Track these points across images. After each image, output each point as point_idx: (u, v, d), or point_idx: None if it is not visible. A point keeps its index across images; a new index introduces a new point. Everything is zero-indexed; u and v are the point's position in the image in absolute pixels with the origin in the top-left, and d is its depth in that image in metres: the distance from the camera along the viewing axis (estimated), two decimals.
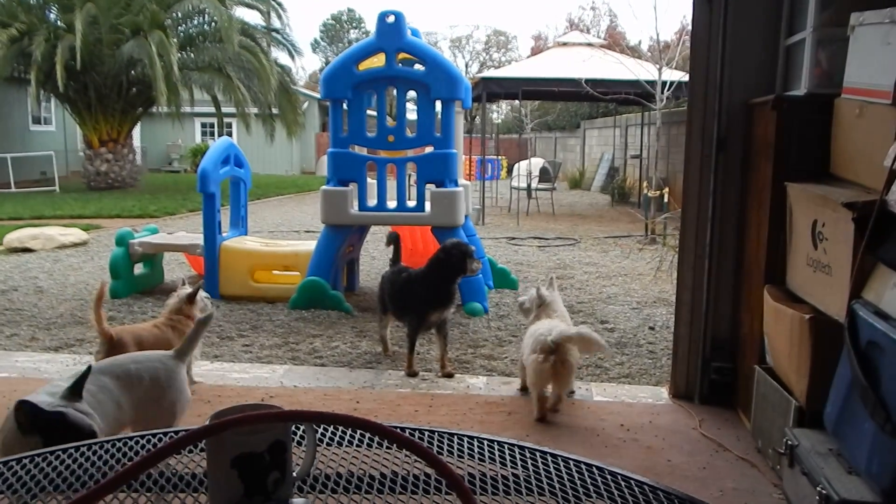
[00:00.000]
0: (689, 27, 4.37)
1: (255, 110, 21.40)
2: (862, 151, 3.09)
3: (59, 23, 19.15)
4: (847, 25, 3.15)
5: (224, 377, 4.71)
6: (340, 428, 1.32)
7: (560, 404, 4.15)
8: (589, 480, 1.26)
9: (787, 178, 3.52)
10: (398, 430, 1.21)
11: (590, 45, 16.72)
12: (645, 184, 13.43)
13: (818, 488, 2.59)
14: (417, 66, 6.49)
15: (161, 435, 1.25)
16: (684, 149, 4.36)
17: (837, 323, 2.85)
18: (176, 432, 1.20)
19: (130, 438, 1.26)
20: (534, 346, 3.94)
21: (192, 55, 20.73)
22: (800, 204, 3.39)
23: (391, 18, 6.31)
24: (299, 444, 1.19)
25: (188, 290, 4.51)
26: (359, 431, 1.30)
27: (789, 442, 2.99)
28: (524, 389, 4.45)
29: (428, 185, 6.48)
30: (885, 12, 2.87)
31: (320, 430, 1.30)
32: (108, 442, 1.24)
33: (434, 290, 4.82)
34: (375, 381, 4.68)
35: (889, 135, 2.71)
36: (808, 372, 3.04)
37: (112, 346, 4.21)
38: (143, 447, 1.22)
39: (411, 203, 6.63)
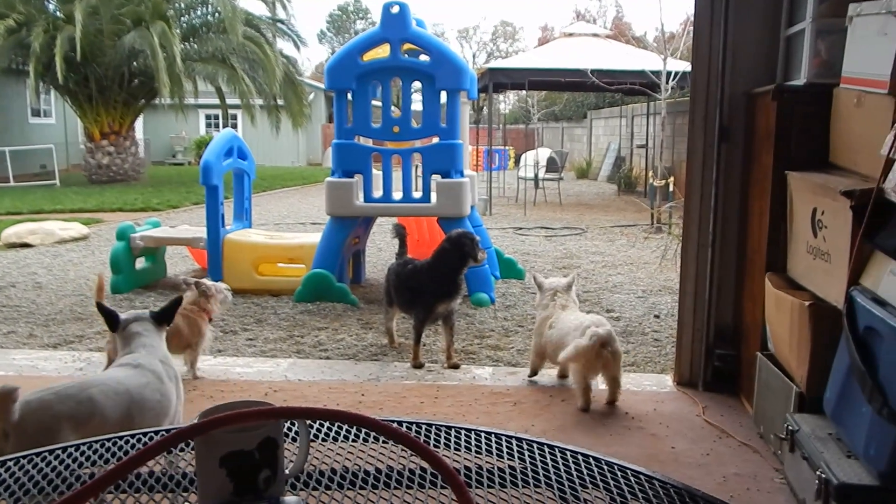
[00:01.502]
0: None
1: (260, 102, 21.37)
2: (860, 140, 3.10)
3: (58, 13, 19.10)
4: (845, 16, 3.17)
5: (227, 372, 4.74)
6: (334, 423, 1.34)
7: (618, 393, 4.16)
8: (586, 471, 1.28)
9: (787, 167, 3.53)
10: (392, 424, 1.24)
11: (596, 35, 16.65)
12: (651, 173, 13.41)
13: (818, 472, 2.61)
14: (423, 57, 6.50)
15: (152, 434, 1.28)
16: (687, 139, 4.37)
17: (836, 310, 2.87)
18: (167, 430, 1.22)
19: (120, 437, 1.28)
20: (591, 336, 3.96)
21: (195, 46, 20.71)
22: (800, 192, 3.40)
23: (396, 9, 6.31)
24: (294, 440, 1.21)
25: (204, 283, 4.55)
26: (355, 427, 1.33)
27: (790, 427, 3.02)
28: (533, 374, 4.53)
29: (434, 176, 6.49)
30: (881, 3, 2.88)
31: (314, 426, 1.32)
32: (96, 442, 1.27)
33: (440, 281, 4.84)
34: (381, 374, 4.71)
35: (886, 123, 2.72)
36: (808, 358, 3.06)
37: None
38: (132, 447, 1.25)
39: (417, 194, 6.64)
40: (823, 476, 2.57)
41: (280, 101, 21.51)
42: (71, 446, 1.24)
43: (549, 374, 4.60)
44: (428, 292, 4.86)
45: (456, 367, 4.82)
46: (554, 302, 4.46)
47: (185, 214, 13.54)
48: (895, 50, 2.76)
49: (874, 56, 2.92)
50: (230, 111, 22.86)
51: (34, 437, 2.26)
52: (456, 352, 4.99)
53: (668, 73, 11.60)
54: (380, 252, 9.23)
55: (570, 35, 16.87)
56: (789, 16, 3.91)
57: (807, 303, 3.06)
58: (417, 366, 4.82)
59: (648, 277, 7.79)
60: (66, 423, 2.34)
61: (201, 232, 6.97)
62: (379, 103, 6.57)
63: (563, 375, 4.53)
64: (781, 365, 3.43)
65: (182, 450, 1.20)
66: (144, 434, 1.27)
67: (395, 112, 6.68)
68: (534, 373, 4.55)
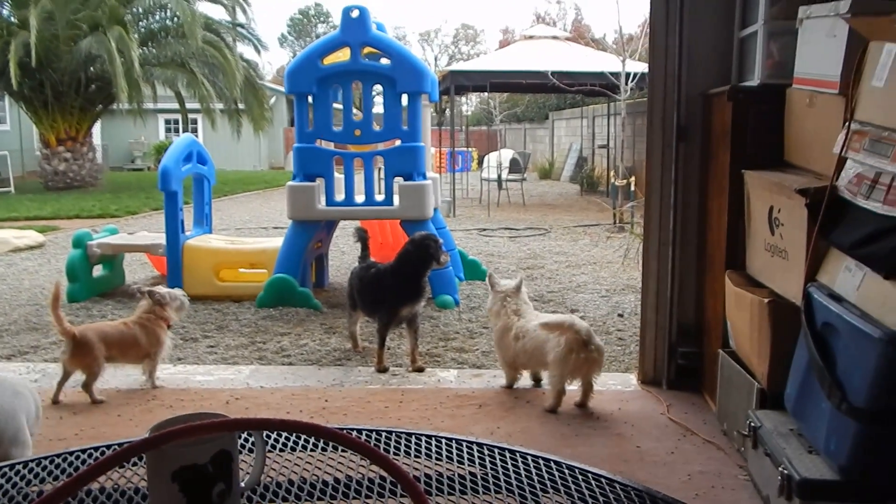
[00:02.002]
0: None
1: (220, 106, 21.18)
2: (813, 139, 3.15)
3: (12, 18, 18.75)
4: (796, 18, 3.22)
5: (187, 380, 4.67)
6: (290, 433, 1.32)
7: (590, 398, 4.13)
8: (547, 476, 1.27)
9: (744, 166, 3.57)
10: (350, 432, 1.22)
11: (556, 38, 16.76)
12: (612, 173, 13.53)
13: (780, 468, 2.64)
14: (383, 61, 6.48)
15: (103, 449, 1.25)
16: (646, 139, 4.40)
17: (795, 306, 2.90)
18: (120, 445, 1.19)
19: (70, 454, 1.25)
20: (567, 341, 3.94)
21: (153, 50, 20.47)
22: (756, 191, 3.44)
23: (356, 13, 6.28)
24: (250, 452, 1.19)
25: (157, 291, 4.48)
26: (312, 437, 1.31)
27: (752, 424, 3.05)
28: (509, 386, 4.46)
29: (396, 179, 6.48)
30: (829, 6, 2.93)
31: (270, 437, 1.30)
32: (45, 458, 1.23)
33: (404, 284, 4.82)
34: (345, 379, 4.68)
35: (838, 122, 2.76)
36: (769, 355, 3.09)
37: (76, 344, 4.17)
38: (83, 462, 1.21)
39: (379, 197, 6.62)
40: (786, 472, 2.59)
41: (241, 105, 21.34)
42: (18, 463, 1.21)
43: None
44: (392, 295, 4.84)
45: (421, 370, 4.80)
46: (505, 308, 4.38)
47: (144, 221, 13.36)
48: (844, 51, 2.80)
49: (824, 57, 2.97)
50: (190, 115, 22.60)
51: None
52: (420, 355, 4.98)
53: (628, 75, 11.72)
54: (343, 256, 9.19)
55: (531, 38, 16.97)
56: (742, 18, 3.96)
57: (766, 300, 3.10)
58: (382, 370, 4.80)
59: (612, 276, 7.85)
60: None
61: (160, 238, 6.88)
62: (340, 107, 6.54)
63: (537, 380, 4.50)
64: (743, 362, 3.47)
65: (134, 464, 1.17)
66: (95, 449, 1.24)
67: (357, 115, 6.65)
68: (510, 385, 4.49)
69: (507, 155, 18.04)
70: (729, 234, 3.75)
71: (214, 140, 22.62)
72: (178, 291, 4.61)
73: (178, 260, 6.70)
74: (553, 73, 13.27)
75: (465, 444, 1.35)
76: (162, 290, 4.53)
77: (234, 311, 6.33)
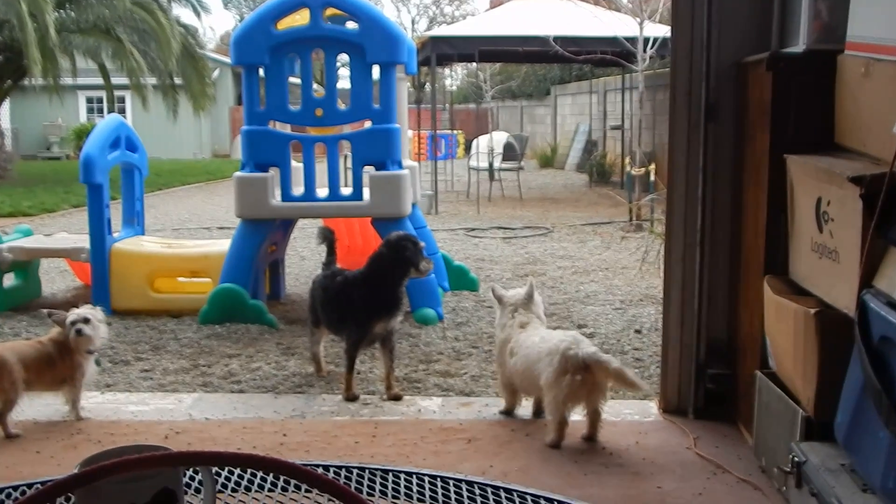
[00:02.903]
0: None
1: (153, 81, 21.13)
2: (870, 116, 3.17)
3: None
4: None
5: (118, 411, 4.65)
6: (245, 469, 1.33)
7: (599, 427, 4.15)
8: None
9: (786, 150, 3.60)
10: (315, 468, 1.23)
11: None
12: (628, 160, 13.58)
13: None
14: (350, 24, 6.49)
15: (24, 488, 1.25)
16: (668, 118, 4.43)
17: (848, 317, 2.92)
18: (43, 483, 1.20)
19: None
20: (561, 363, 3.96)
21: (72, 14, 20.41)
22: (801, 180, 3.47)
23: None
24: (198, 491, 1.19)
25: (58, 315, 4.45)
26: (270, 473, 1.31)
27: (796, 458, 3.07)
28: (508, 413, 4.50)
29: (366, 169, 6.48)
30: None
31: (221, 474, 1.31)
32: None
33: (377, 295, 4.82)
34: (306, 409, 4.68)
35: None
36: (816, 376, 3.11)
37: None
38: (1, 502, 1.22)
39: (346, 190, 6.62)
40: None
41: (177, 80, 21.28)
42: None
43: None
44: (362, 309, 4.84)
45: (398, 398, 4.80)
46: (513, 320, 4.45)
47: (64, 220, 13.30)
48: None
49: (885, 17, 2.99)
50: (116, 93, 22.54)
51: None
52: (397, 380, 4.98)
53: (646, 40, 11.76)
54: (303, 262, 9.18)
55: None
56: None
57: (812, 310, 3.12)
58: (351, 398, 4.80)
59: (627, 285, 7.88)
60: None
61: (83, 241, 6.85)
62: (298, 81, 6.54)
63: (538, 412, 4.50)
64: (785, 385, 3.49)
65: None
66: (14, 489, 1.24)
67: (318, 92, 6.65)
68: (509, 411, 4.51)
69: (500, 139, 18.06)
70: (768, 232, 3.77)
71: (146, 122, 22.50)
72: (85, 310, 4.54)
73: (105, 267, 6.67)
74: (556, 39, 13.31)
75: (451, 482, 1.36)
76: (63, 314, 4.49)
77: (173, 328, 6.30)
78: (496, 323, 4.64)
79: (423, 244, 5.00)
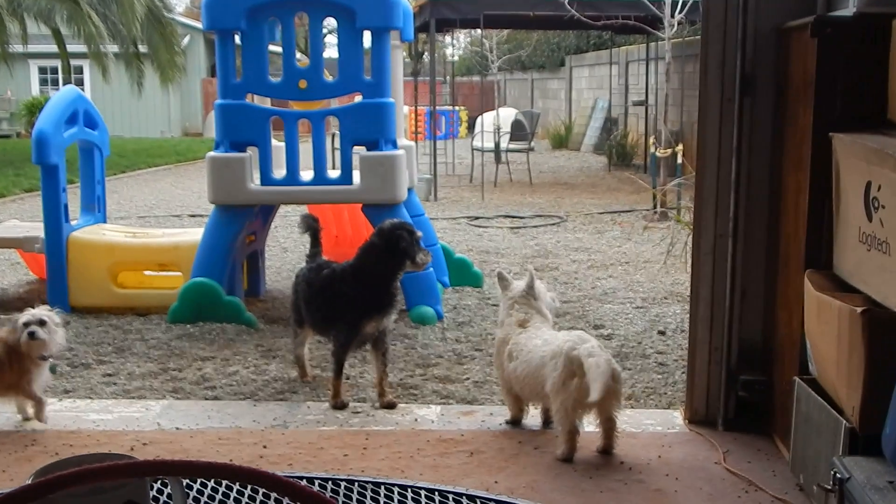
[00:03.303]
0: None
1: (114, 49, 21.06)
2: None
3: None
4: None
5: (78, 419, 4.67)
6: (220, 482, 1.33)
7: (616, 438, 4.18)
8: None
9: (832, 128, 3.59)
10: (300, 481, 1.23)
11: None
12: (652, 140, 13.55)
13: None
14: None
15: None
16: (699, 93, 4.42)
17: None
18: None
19: None
20: (566, 365, 3.97)
21: None
22: (849, 161, 3.47)
23: None
24: None
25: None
26: (248, 485, 1.32)
27: (838, 475, 3.08)
28: (515, 422, 4.51)
29: (356, 149, 6.48)
30: None
31: (193, 486, 1.31)
32: None
33: (367, 291, 4.83)
34: (289, 418, 4.69)
35: None
36: (862, 382, 3.11)
37: None
38: None
39: (334, 173, 6.61)
40: None
41: (142, 48, 21.22)
42: None
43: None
44: (351, 307, 4.84)
45: (391, 406, 4.82)
46: (511, 317, 4.45)
47: (14, 206, 13.30)
48: None
49: None
50: (73, 62, 22.45)
51: None
52: (391, 386, 4.99)
53: (674, 3, 11.74)
54: (285, 254, 9.18)
55: None
56: None
57: (859, 309, 3.12)
58: (339, 406, 4.81)
59: (650, 281, 7.89)
60: None
61: (37, 230, 6.85)
62: (279, 49, 6.53)
63: (548, 421, 4.51)
64: (827, 393, 3.50)
65: None
66: None
67: (302, 61, 6.64)
68: (515, 421, 4.53)
69: (507, 116, 18.04)
70: (810, 221, 3.77)
71: (107, 96, 22.52)
72: (41, 311, 4.54)
73: (62, 259, 6.67)
74: (571, 2, 13.28)
75: (451, 496, 1.37)
76: (29, 313, 4.49)
77: (139, 327, 6.31)
78: (499, 315, 4.64)
79: (420, 234, 5.00)
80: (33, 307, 4.56)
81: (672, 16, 11.76)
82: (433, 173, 14.29)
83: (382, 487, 1.38)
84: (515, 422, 4.52)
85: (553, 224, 11.37)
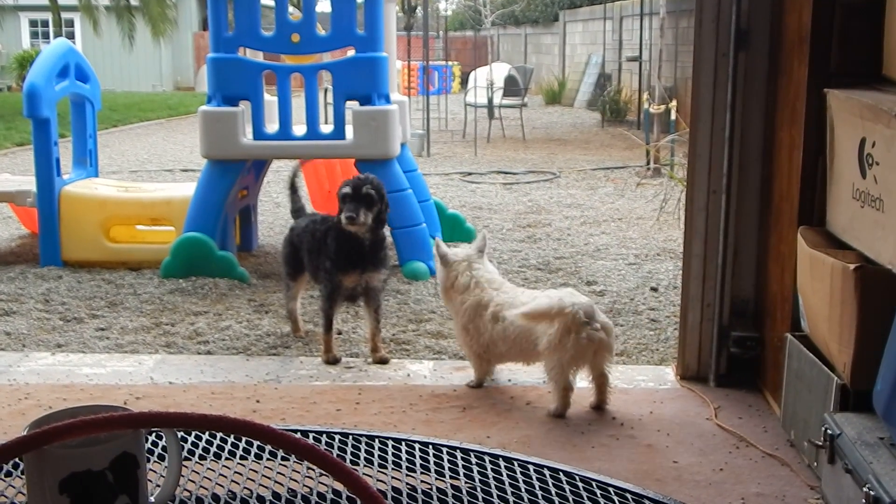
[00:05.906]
0: None
1: (105, 1, 20.91)
2: None
3: None
4: None
5: (71, 374, 4.67)
6: (214, 434, 1.34)
7: (608, 394, 4.19)
8: (555, 491, 1.30)
9: (827, 84, 3.58)
10: (295, 433, 1.23)
11: None
12: (646, 96, 13.52)
13: (865, 488, 2.68)
14: None
15: None
16: (693, 47, 4.40)
17: (891, 273, 2.94)
18: None
19: None
20: (564, 321, 3.98)
21: None
22: (843, 118, 3.45)
23: None
24: (161, 458, 1.20)
25: None
26: (242, 438, 1.32)
27: (829, 431, 3.09)
28: (479, 385, 4.50)
29: (349, 104, 6.45)
30: None
31: (188, 439, 1.31)
32: None
33: (340, 244, 4.78)
34: (282, 373, 4.70)
35: None
36: (854, 339, 3.12)
37: None
38: None
39: (326, 128, 6.59)
40: (872, 493, 2.64)
41: (134, 1, 21.05)
42: None
43: (509, 371, 4.63)
44: (329, 259, 4.81)
45: (384, 361, 4.83)
46: (476, 279, 4.39)
47: (6, 160, 13.25)
48: None
49: None
50: (64, 15, 22.30)
51: None
52: (384, 341, 5.00)
53: None
54: (278, 209, 9.16)
55: None
56: None
57: (852, 266, 3.12)
58: (331, 361, 4.82)
59: (643, 237, 7.90)
60: None
61: (29, 183, 6.83)
62: (271, 3, 6.48)
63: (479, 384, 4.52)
64: (818, 349, 3.51)
65: (8, 474, 1.18)
66: None
67: (295, 14, 6.59)
68: (480, 383, 4.52)
69: (500, 71, 17.96)
70: (804, 177, 3.76)
71: (99, 50, 22.35)
72: None
73: (54, 213, 6.65)
74: None
75: (445, 449, 1.37)
76: None
77: (132, 282, 6.31)
78: (443, 285, 4.54)
79: (355, 190, 4.70)
80: None
81: None
82: (426, 129, 14.26)
83: (377, 440, 1.38)
84: (480, 384, 4.50)
85: (546, 180, 11.37)
